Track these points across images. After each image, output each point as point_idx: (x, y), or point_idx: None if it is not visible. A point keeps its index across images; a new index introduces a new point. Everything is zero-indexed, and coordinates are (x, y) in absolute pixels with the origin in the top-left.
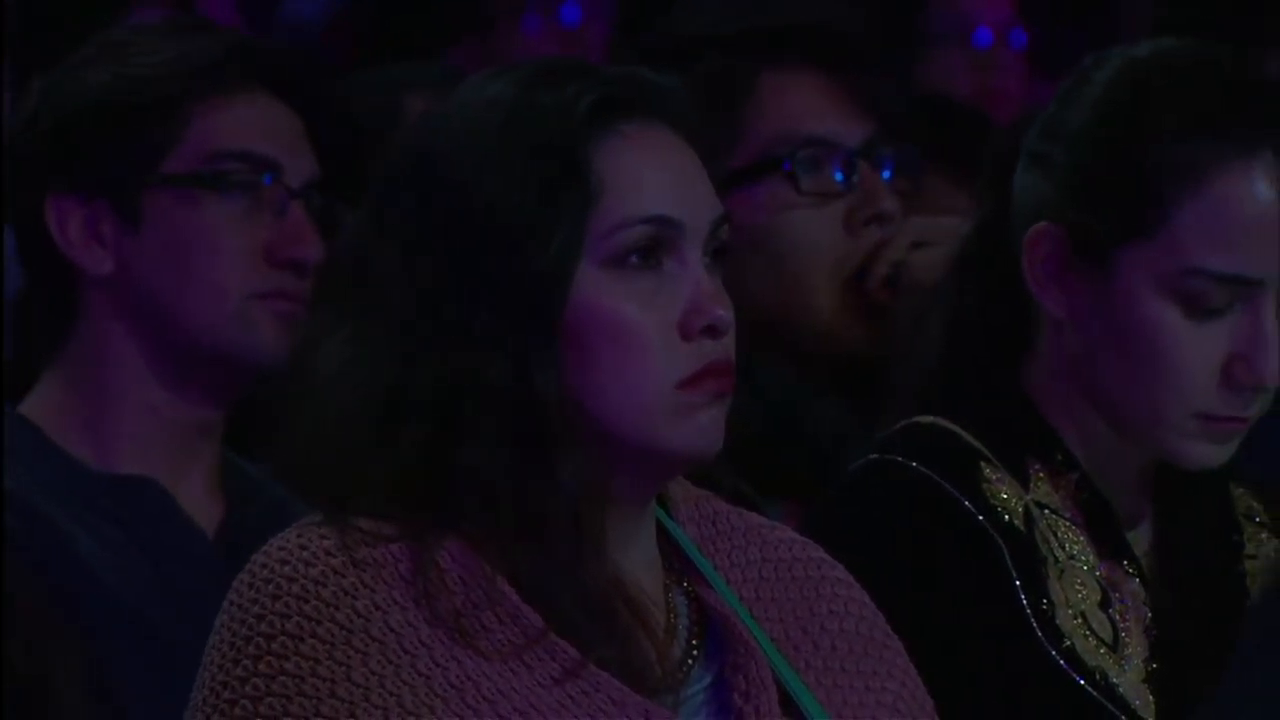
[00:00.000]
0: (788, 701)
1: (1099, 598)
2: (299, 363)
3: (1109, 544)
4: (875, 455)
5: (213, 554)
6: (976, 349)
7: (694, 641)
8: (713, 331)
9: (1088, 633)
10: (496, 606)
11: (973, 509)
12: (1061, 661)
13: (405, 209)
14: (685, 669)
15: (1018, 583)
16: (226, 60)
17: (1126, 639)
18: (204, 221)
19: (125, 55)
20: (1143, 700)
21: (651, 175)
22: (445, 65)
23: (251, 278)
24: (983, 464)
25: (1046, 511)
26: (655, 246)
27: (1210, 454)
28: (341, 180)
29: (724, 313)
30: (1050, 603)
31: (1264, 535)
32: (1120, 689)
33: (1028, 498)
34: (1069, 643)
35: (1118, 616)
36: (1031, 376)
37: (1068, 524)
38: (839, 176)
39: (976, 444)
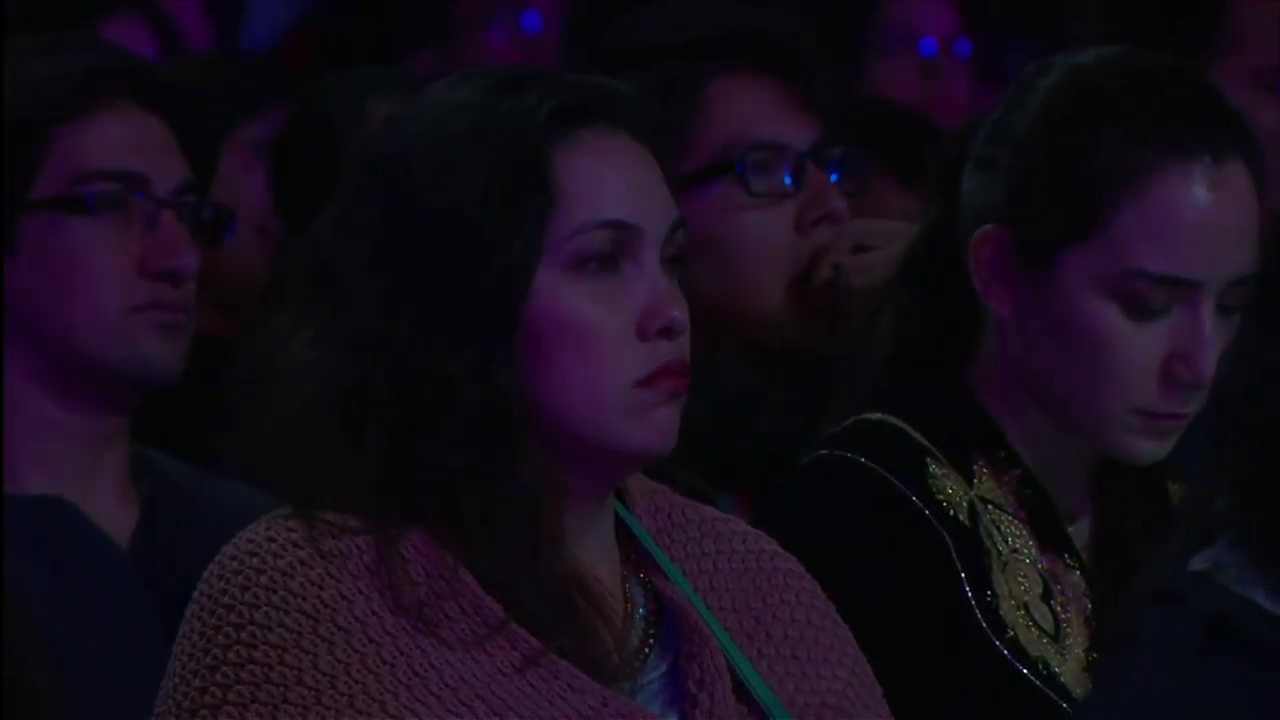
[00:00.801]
0: (741, 688)
1: (1041, 590)
2: (265, 359)
3: (1051, 538)
4: (824, 451)
5: (127, 565)
6: (924, 348)
7: (650, 630)
8: (668, 333)
9: (1030, 624)
10: (458, 597)
11: (919, 504)
12: (1005, 651)
13: (370, 210)
14: (642, 657)
15: (962, 575)
16: (85, 81)
17: (1068, 629)
18: (76, 243)
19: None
20: (1083, 688)
21: (610, 180)
22: (409, 70)
23: (128, 293)
24: (929, 460)
25: (990, 506)
26: (613, 250)
27: (1150, 449)
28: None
29: (679, 314)
30: (994, 594)
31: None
32: (1061, 678)
33: (972, 493)
34: (1012, 633)
35: (1059, 608)
36: (977, 375)
37: (1010, 519)
38: (788, 179)
39: (923, 440)
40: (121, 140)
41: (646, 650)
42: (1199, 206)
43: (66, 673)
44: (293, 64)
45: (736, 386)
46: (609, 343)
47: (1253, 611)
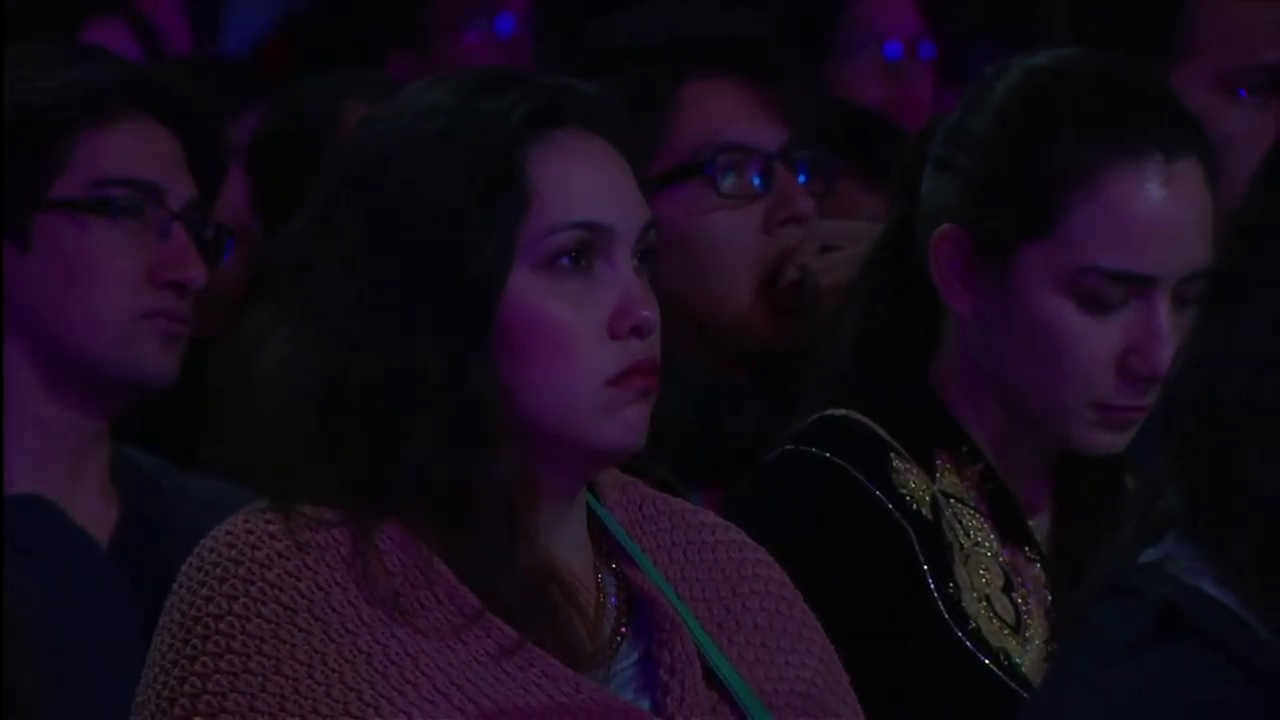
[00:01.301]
0: (711, 676)
1: (1002, 582)
2: (244, 357)
3: (1012, 531)
4: (790, 446)
5: (107, 562)
6: (887, 346)
7: (622, 620)
8: (640, 331)
9: (992, 615)
10: (434, 587)
11: (883, 497)
12: (967, 643)
13: (347, 210)
14: (615, 646)
15: (925, 568)
16: (113, 89)
17: (1028, 621)
18: (91, 245)
19: (16, 82)
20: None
21: (583, 182)
22: (384, 73)
23: (136, 299)
24: (892, 455)
25: (952, 500)
26: (586, 250)
27: (1109, 441)
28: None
29: (650, 314)
30: (956, 587)
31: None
32: (1022, 668)
33: (935, 487)
34: (974, 625)
35: (1020, 600)
36: (939, 372)
37: (972, 512)
38: (757, 180)
39: (887, 436)
40: (141, 151)
41: (619, 639)
42: (1152, 203)
43: (49, 669)
44: (271, 67)
45: (706, 384)
46: (581, 341)
47: (1202, 600)
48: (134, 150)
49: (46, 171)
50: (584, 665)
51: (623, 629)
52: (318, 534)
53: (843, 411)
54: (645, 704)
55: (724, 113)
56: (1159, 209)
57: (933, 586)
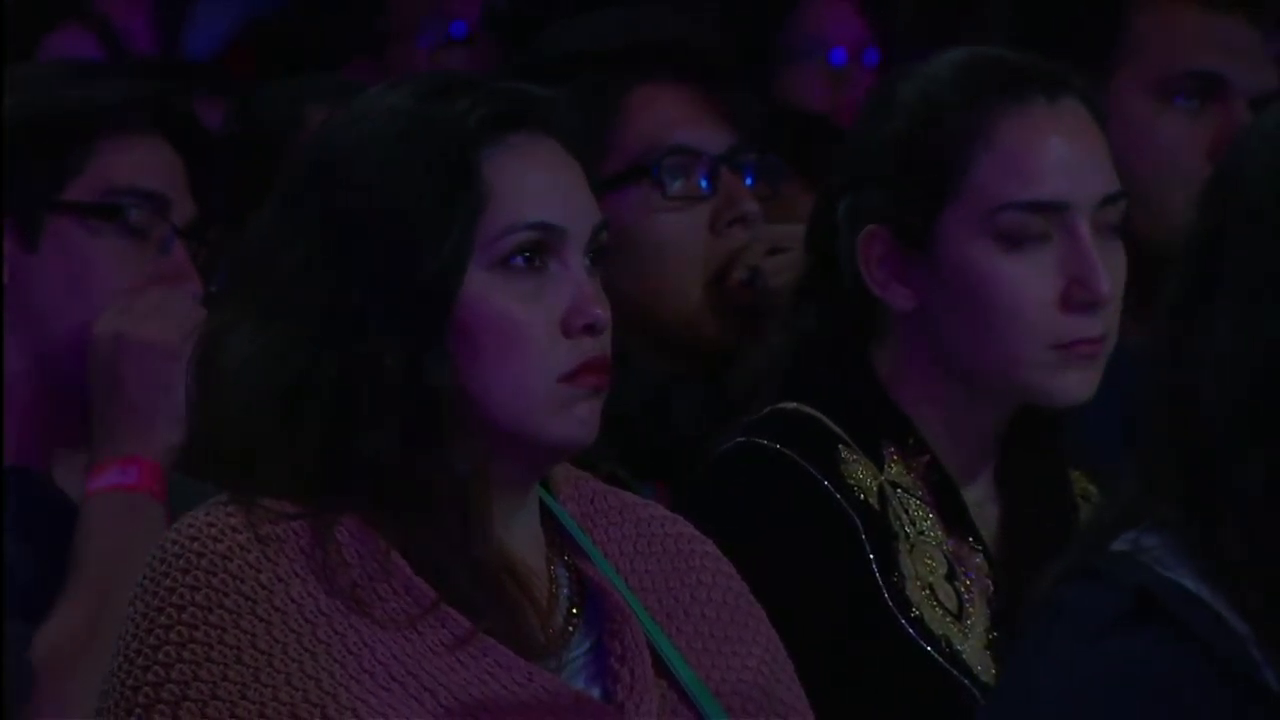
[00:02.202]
0: (660, 664)
1: (945, 570)
2: (206, 353)
3: (956, 521)
4: (742, 438)
5: None
6: (831, 345)
7: (574, 610)
8: (592, 330)
9: (935, 603)
10: (390, 579)
11: (830, 487)
12: (910, 630)
13: (308, 211)
14: (566, 636)
15: (871, 556)
16: (140, 104)
17: (970, 609)
18: (97, 249)
19: (47, 86)
20: (984, 665)
21: (536, 184)
22: (344, 77)
23: None
24: (840, 447)
25: (899, 491)
26: (539, 250)
27: (1077, 383)
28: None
29: (602, 312)
30: (901, 575)
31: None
32: (964, 655)
33: (882, 478)
34: (917, 612)
35: (962, 588)
36: (884, 366)
37: (918, 502)
38: (704, 182)
39: (835, 429)
40: (154, 166)
41: (571, 629)
42: (1045, 135)
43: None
44: (234, 71)
45: (655, 381)
46: (535, 339)
47: (1176, 590)
48: (148, 165)
49: (64, 173)
50: (536, 655)
51: (574, 619)
52: (278, 527)
53: (793, 405)
54: (596, 692)
55: (671, 117)
56: (1053, 139)
57: (877, 574)
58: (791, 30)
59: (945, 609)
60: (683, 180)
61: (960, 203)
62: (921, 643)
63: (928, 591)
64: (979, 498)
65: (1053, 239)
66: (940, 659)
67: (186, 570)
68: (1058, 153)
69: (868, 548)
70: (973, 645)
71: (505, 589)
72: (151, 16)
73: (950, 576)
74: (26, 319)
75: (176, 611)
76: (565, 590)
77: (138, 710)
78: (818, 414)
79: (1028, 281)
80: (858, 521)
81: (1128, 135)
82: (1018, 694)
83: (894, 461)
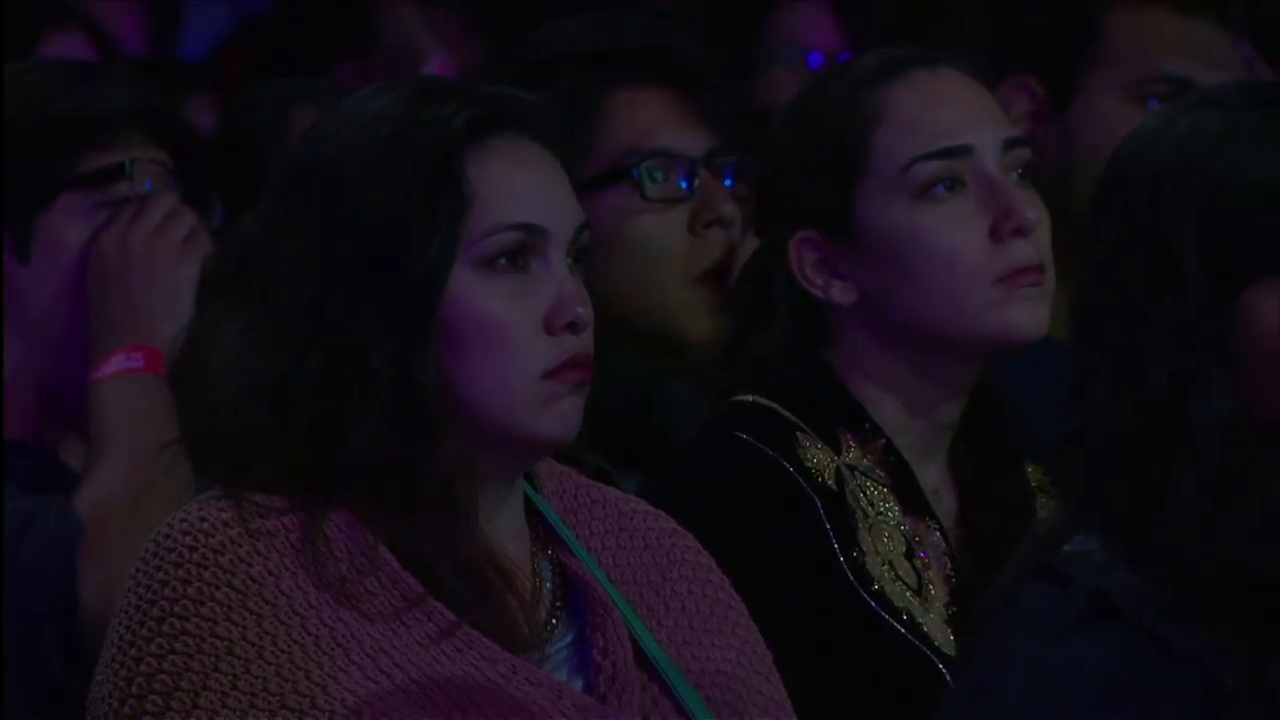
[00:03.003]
0: (641, 656)
1: (904, 549)
2: (196, 351)
3: (912, 502)
4: (705, 431)
5: None
6: (783, 341)
7: (558, 604)
8: (574, 327)
9: (895, 578)
10: (378, 572)
11: (790, 470)
12: (872, 602)
13: (295, 212)
14: (550, 628)
15: (831, 534)
16: (129, 112)
17: (930, 585)
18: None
19: (38, 94)
20: (944, 638)
21: (520, 185)
22: (332, 81)
23: None
24: (799, 434)
25: (856, 473)
26: (523, 250)
27: (1028, 316)
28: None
29: (584, 310)
30: (861, 551)
31: (1051, 504)
32: (925, 627)
33: (839, 461)
34: (878, 586)
35: (921, 566)
36: (838, 361)
37: (876, 484)
38: (683, 184)
39: (793, 418)
40: (147, 171)
41: (554, 622)
42: (934, 92)
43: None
44: (226, 74)
45: (636, 376)
46: (518, 337)
47: (1130, 589)
48: (140, 170)
49: (57, 182)
50: (520, 647)
51: (558, 612)
52: (268, 521)
53: (750, 398)
54: (578, 684)
55: (651, 121)
56: (943, 96)
57: (838, 550)
58: (770, 36)
59: (906, 584)
60: (662, 182)
61: (870, 176)
62: (883, 614)
63: (888, 567)
64: (934, 483)
65: (967, 185)
66: (901, 630)
67: (179, 564)
68: (950, 106)
69: (828, 527)
70: (933, 619)
71: (490, 582)
72: (144, 20)
73: (909, 554)
74: (22, 327)
75: (169, 604)
76: (549, 583)
77: (131, 700)
78: (774, 405)
79: (954, 226)
80: (817, 502)
81: (1100, 136)
82: (981, 695)
83: (851, 446)
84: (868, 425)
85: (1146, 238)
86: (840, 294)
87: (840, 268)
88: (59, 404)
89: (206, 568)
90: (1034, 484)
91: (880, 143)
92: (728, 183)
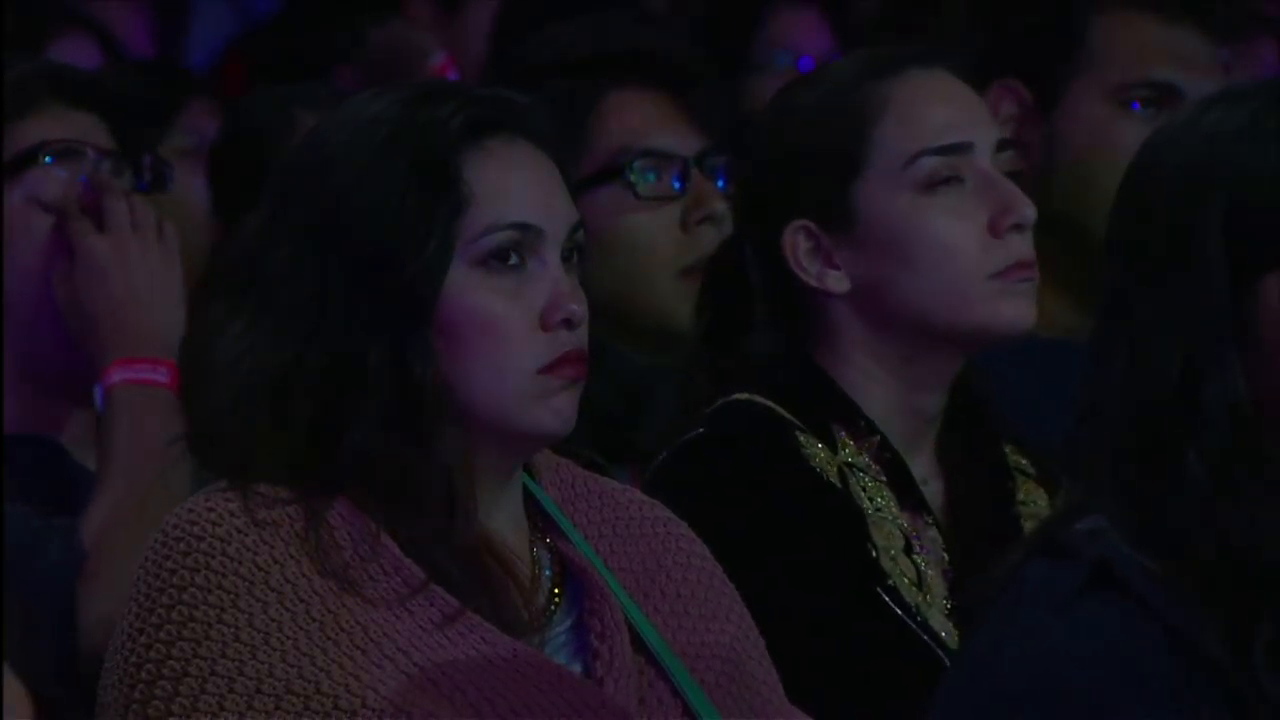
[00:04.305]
0: (638, 641)
1: (903, 544)
2: (200, 349)
3: (908, 497)
4: (701, 429)
5: None
6: (773, 339)
7: (556, 590)
8: (569, 324)
9: (900, 574)
10: (380, 560)
11: (795, 470)
12: (886, 598)
13: (296, 212)
14: (548, 614)
15: (845, 531)
16: (33, 84)
17: (929, 580)
18: (22, 230)
19: None
20: (948, 632)
21: (515, 185)
22: (332, 84)
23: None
24: (797, 432)
25: (854, 470)
26: (518, 248)
27: (1018, 312)
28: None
29: (579, 307)
30: (876, 547)
31: (1033, 486)
32: (931, 623)
33: (838, 459)
34: (892, 581)
35: (920, 561)
36: (826, 358)
37: (873, 481)
38: (676, 183)
39: (788, 415)
40: (67, 132)
41: (552, 608)
42: (932, 91)
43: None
44: (230, 78)
45: (631, 370)
46: (514, 334)
47: (1133, 563)
48: (60, 132)
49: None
50: (520, 632)
51: (556, 599)
52: (273, 511)
53: (745, 395)
54: (577, 668)
55: (644, 121)
56: (941, 94)
57: (853, 548)
58: (762, 41)
59: (909, 580)
60: (655, 181)
61: (873, 170)
62: (897, 610)
63: (893, 564)
64: (924, 475)
65: (965, 181)
66: (914, 626)
67: (187, 553)
68: (948, 104)
69: (840, 524)
70: (935, 614)
71: (489, 570)
72: (151, 23)
73: (908, 550)
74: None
75: (177, 592)
76: (547, 571)
77: (140, 686)
78: (770, 403)
79: (955, 220)
80: (827, 500)
81: (1085, 139)
82: (983, 664)
83: (846, 443)
84: (862, 422)
85: (1170, 223)
86: (834, 283)
87: (835, 257)
88: (45, 387)
89: (214, 556)
90: (1012, 465)
91: (882, 139)
92: (720, 183)
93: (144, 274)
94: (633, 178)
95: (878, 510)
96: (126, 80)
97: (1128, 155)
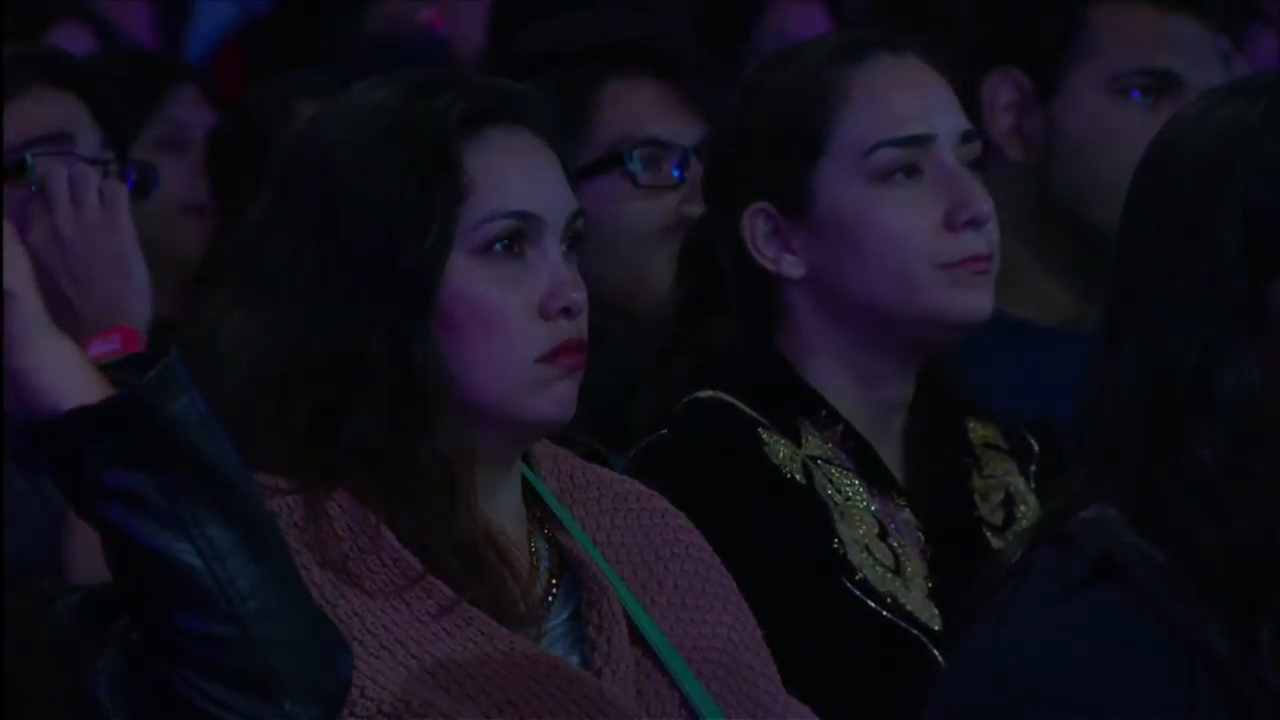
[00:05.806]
0: (635, 632)
1: (877, 530)
2: (201, 338)
3: (878, 481)
4: (664, 431)
5: None
6: (737, 330)
7: (554, 581)
8: (568, 313)
9: (874, 563)
10: (379, 551)
11: (757, 469)
12: (857, 592)
13: (297, 202)
14: (546, 605)
15: (809, 529)
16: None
17: (906, 563)
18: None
19: None
20: (929, 614)
21: (515, 174)
22: (333, 73)
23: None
24: (760, 429)
25: (820, 462)
26: (518, 237)
27: (971, 302)
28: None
29: (578, 296)
30: (841, 542)
31: (1002, 458)
32: (909, 606)
33: (802, 453)
34: (861, 574)
35: (896, 544)
36: (788, 346)
37: (841, 470)
38: (675, 172)
39: (751, 412)
40: (45, 116)
41: (550, 599)
42: (898, 79)
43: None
44: (231, 69)
45: (631, 359)
46: (514, 322)
47: (1136, 554)
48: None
49: None
50: (517, 623)
51: (554, 590)
52: (273, 501)
53: (709, 393)
54: (574, 659)
55: (643, 111)
56: (906, 83)
57: (818, 545)
58: (761, 33)
59: (884, 566)
60: (654, 170)
61: (831, 157)
62: (869, 603)
63: (865, 553)
64: (892, 460)
65: (923, 173)
66: (887, 614)
67: None
68: (914, 93)
69: (803, 522)
70: (915, 597)
71: (488, 561)
72: (152, 14)
73: (883, 535)
74: None
75: None
76: (545, 562)
77: None
78: (733, 400)
79: (908, 212)
80: (790, 498)
81: (1085, 127)
82: (986, 652)
83: (811, 435)
84: (824, 412)
85: (1189, 213)
86: (789, 268)
87: (791, 241)
88: None
89: None
90: (980, 441)
91: (843, 126)
92: None
93: (83, 248)
94: (632, 167)
95: (848, 500)
96: (111, 66)
97: (1127, 143)
